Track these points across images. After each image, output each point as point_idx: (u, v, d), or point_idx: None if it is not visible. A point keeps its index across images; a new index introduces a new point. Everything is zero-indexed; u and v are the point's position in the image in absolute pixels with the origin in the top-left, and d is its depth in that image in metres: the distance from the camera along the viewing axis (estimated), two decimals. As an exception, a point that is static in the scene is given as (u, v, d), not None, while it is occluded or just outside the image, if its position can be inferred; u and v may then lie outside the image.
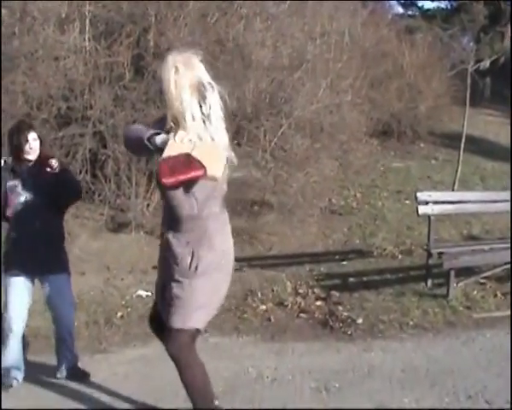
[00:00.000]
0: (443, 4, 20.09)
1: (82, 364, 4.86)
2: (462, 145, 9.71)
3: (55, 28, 6.22)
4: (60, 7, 6.37)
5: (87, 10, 6.40)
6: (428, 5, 27.61)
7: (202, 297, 3.47)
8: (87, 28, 6.51)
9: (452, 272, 6.14)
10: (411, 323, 5.73)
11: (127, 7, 6.78)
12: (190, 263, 3.42)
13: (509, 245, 6.38)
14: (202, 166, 3.16)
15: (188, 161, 3.16)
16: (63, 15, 6.62)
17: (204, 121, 3.29)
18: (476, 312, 5.98)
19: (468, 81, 9.73)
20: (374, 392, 4.44)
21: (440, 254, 6.28)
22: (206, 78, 3.32)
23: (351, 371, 4.78)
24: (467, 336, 5.46)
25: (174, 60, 3.31)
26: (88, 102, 6.60)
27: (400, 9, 20.01)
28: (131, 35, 6.70)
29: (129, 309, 5.97)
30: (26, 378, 4.62)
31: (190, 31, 6.73)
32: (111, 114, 6.61)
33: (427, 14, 18.69)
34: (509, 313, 5.87)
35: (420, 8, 20.11)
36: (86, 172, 6.83)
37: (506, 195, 6.91)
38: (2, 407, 3.88)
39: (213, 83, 3.32)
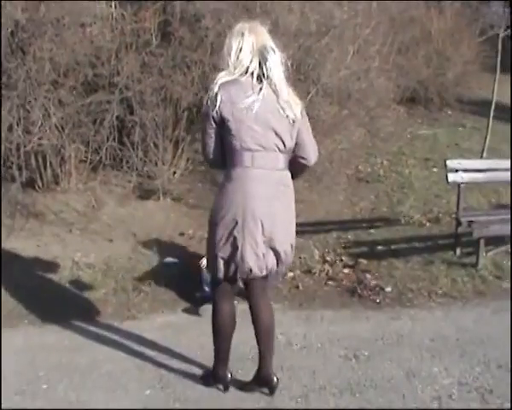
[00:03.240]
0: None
1: (111, 330, 4.92)
2: (492, 113, 9.55)
3: (81, -6, 6.16)
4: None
5: (113, -24, 6.33)
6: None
7: None
8: (113, -6, 6.45)
9: (482, 241, 6.09)
10: (440, 292, 5.70)
11: (153, -28, 6.70)
12: None
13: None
14: None
15: None
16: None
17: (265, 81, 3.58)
18: (506, 281, 5.92)
19: (499, 47, 9.52)
20: (403, 360, 4.43)
21: (470, 222, 6.20)
22: (269, 43, 3.61)
23: (380, 340, 4.77)
24: (496, 305, 5.43)
25: (241, 27, 3.66)
26: (115, 69, 6.55)
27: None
28: (158, 1, 6.62)
29: (156, 276, 5.97)
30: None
31: (217, -3, 6.64)
32: (138, 81, 6.56)
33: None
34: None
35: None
36: (114, 139, 6.81)
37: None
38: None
39: (276, 48, 3.60)
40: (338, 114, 7.79)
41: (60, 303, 5.40)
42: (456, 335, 4.84)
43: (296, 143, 3.71)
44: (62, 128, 6.46)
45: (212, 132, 3.62)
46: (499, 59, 9.59)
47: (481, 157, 9.21)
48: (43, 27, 5.93)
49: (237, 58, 3.59)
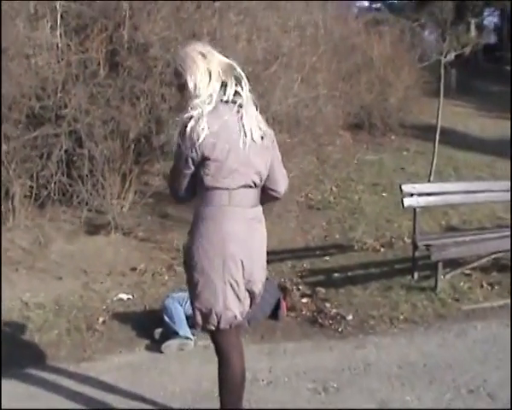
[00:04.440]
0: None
1: (66, 375, 4.69)
2: (437, 137, 9.67)
3: (25, 24, 5.96)
4: (30, 1, 6.12)
5: (58, 4, 6.15)
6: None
7: None
8: (58, 23, 6.26)
9: (440, 265, 6.08)
10: (401, 317, 5.65)
11: (99, 0, 6.55)
12: None
13: (494, 235, 6.36)
14: None
15: None
16: (32, 11, 6.37)
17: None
18: (465, 303, 5.92)
19: (442, 72, 9.66)
20: (373, 391, 4.33)
21: (427, 246, 6.20)
22: (228, 61, 3.30)
23: (347, 370, 4.67)
24: (458, 328, 5.41)
25: (195, 48, 3.29)
26: (62, 101, 6.35)
27: (365, 3, 20.05)
28: (105, 30, 6.47)
29: (110, 313, 5.77)
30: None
31: (165, 25, 6.53)
32: (86, 113, 6.38)
33: (392, 7, 18.72)
34: (498, 303, 5.85)
35: (385, 2, 20.16)
36: (62, 173, 6.60)
37: (504, 184, 6.89)
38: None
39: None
40: (288, 142, 7.74)
41: (9, 348, 5.11)
42: (422, 361, 4.78)
43: (267, 175, 3.41)
44: (8, 163, 6.22)
45: (188, 173, 3.28)
46: (442, 83, 9.72)
47: (429, 180, 9.29)
48: (-15, 59, 5.72)
49: (208, 83, 3.21)
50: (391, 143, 13.10)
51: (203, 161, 3.20)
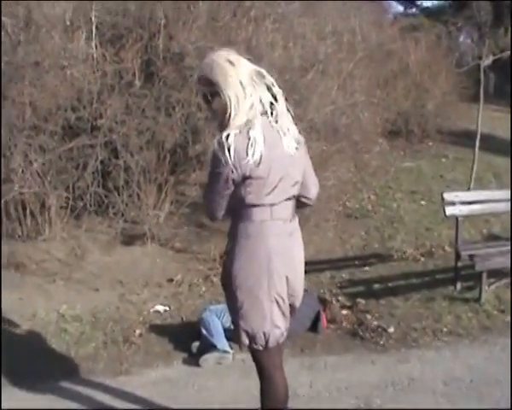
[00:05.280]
0: (445, 1, 19.87)
1: (103, 389, 4.62)
2: (478, 143, 9.45)
3: (61, 36, 5.94)
4: (65, 13, 6.10)
5: (93, 15, 6.13)
6: (428, 3, 27.41)
7: None
8: (93, 34, 6.24)
9: (484, 275, 5.90)
10: (445, 329, 5.48)
11: (134, 10, 6.52)
12: None
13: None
14: None
15: None
16: (68, 23, 6.35)
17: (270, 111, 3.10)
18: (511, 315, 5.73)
19: (482, 77, 9.44)
20: (419, 408, 4.18)
21: (471, 256, 6.02)
22: (258, 67, 3.11)
23: (390, 386, 4.53)
24: (504, 341, 5.22)
25: (223, 56, 3.08)
26: (97, 112, 6.32)
27: (400, 8, 19.86)
28: (140, 40, 6.42)
29: (147, 326, 5.70)
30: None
31: (201, 34, 6.47)
32: (122, 123, 6.33)
33: (429, 12, 18.48)
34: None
35: (420, 7, 19.94)
36: (98, 184, 6.56)
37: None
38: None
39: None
40: (325, 151, 7.62)
41: (46, 362, 5.07)
42: (469, 376, 4.62)
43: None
44: (44, 175, 6.20)
45: (227, 194, 3.10)
46: (482, 88, 9.50)
47: (469, 188, 9.08)
48: (21, 71, 5.69)
49: (244, 96, 3.02)
50: (429, 149, 12.91)
51: (245, 179, 3.04)
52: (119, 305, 6.12)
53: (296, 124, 3.24)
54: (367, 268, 7.12)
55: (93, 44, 6.31)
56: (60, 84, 5.91)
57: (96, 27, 6.38)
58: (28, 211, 6.77)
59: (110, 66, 6.28)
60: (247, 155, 2.98)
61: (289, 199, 3.18)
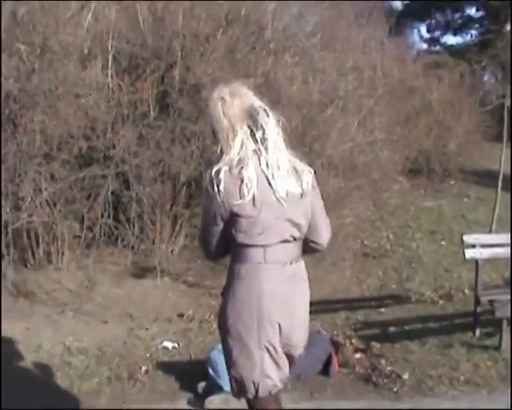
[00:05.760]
0: (469, 40, 19.81)
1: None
2: (500, 183, 9.27)
3: (76, 64, 5.89)
4: (83, 41, 6.06)
5: (110, 45, 6.08)
6: (452, 41, 27.35)
7: None
8: (110, 64, 6.18)
9: (505, 322, 5.68)
10: (462, 378, 5.25)
11: (152, 41, 6.47)
12: None
13: None
14: None
15: None
16: (86, 51, 6.31)
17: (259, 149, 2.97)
18: (531, 365, 5.50)
19: (505, 116, 9.26)
20: None
21: (491, 301, 5.81)
22: (256, 102, 3.00)
23: (404, 436, 4.32)
24: (525, 393, 4.99)
25: (219, 92, 3.05)
26: (110, 142, 6.24)
27: (424, 45, 19.82)
28: (156, 71, 6.35)
29: (154, 362, 5.54)
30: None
31: (218, 66, 6.39)
32: (135, 154, 6.25)
33: (453, 50, 18.40)
34: None
35: (444, 44, 19.88)
36: (109, 215, 6.46)
37: None
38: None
39: (267, 107, 3.00)
40: (343, 188, 7.48)
41: (47, 397, 4.92)
42: (487, 430, 4.40)
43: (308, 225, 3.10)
44: (54, 204, 6.12)
45: (216, 231, 3.00)
46: (506, 128, 9.34)
47: (491, 229, 8.88)
48: (35, 98, 5.63)
49: (232, 132, 2.96)
50: (450, 188, 12.74)
51: (233, 217, 2.93)
52: (127, 339, 6.00)
53: (309, 161, 3.12)
54: (383, 310, 6.93)
55: (109, 74, 6.25)
56: (73, 112, 5.84)
57: (114, 57, 6.33)
58: (41, 239, 6.69)
59: (125, 96, 6.21)
60: (240, 195, 2.89)
61: (287, 241, 3.01)
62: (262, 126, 2.96)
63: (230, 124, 2.97)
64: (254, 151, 2.96)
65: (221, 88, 3.08)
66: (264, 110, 2.98)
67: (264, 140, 2.96)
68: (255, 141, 2.97)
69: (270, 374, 3.01)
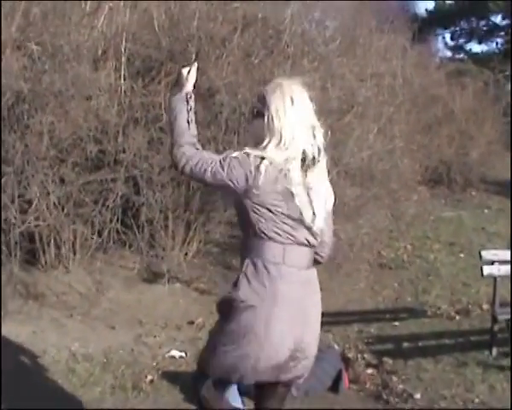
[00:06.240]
0: (494, 48, 19.55)
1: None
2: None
3: (88, 66, 5.79)
4: (96, 42, 5.96)
5: (123, 47, 5.97)
6: (477, 49, 27.06)
7: None
8: (123, 66, 6.07)
9: (522, 342, 5.51)
10: (477, 400, 5.08)
11: (167, 44, 6.35)
12: None
13: None
14: None
15: None
16: (99, 52, 6.20)
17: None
18: (549, 389, 5.30)
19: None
20: None
21: (508, 321, 5.62)
22: (316, 121, 3.04)
23: (413, 460, 4.16)
24: (541, 418, 4.80)
25: (290, 88, 3.04)
26: (121, 145, 6.13)
27: (448, 53, 19.59)
28: (171, 74, 6.22)
29: (160, 372, 5.41)
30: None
31: (233, 70, 6.26)
32: (145, 158, 6.13)
33: (476, 58, 18.15)
34: None
35: (468, 52, 19.64)
36: (118, 220, 6.35)
37: None
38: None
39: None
40: (360, 197, 7.32)
41: (50, 404, 4.81)
42: (500, 456, 4.22)
43: None
44: (62, 208, 6.01)
45: (212, 179, 2.95)
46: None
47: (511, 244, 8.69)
48: (45, 99, 5.53)
49: (292, 135, 2.92)
50: (471, 199, 12.55)
51: (258, 205, 2.90)
52: (134, 347, 5.88)
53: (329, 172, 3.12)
54: (397, 323, 6.80)
55: (121, 76, 6.14)
56: (84, 114, 5.74)
57: (128, 59, 6.21)
58: (52, 241, 6.60)
59: (138, 98, 6.09)
60: (266, 183, 2.88)
61: (305, 245, 2.99)
62: (319, 148, 2.96)
63: (297, 135, 2.93)
64: (302, 167, 2.94)
65: (292, 84, 3.08)
66: (323, 133, 3.02)
67: (314, 162, 2.95)
68: (306, 156, 2.94)
69: (263, 365, 2.97)
